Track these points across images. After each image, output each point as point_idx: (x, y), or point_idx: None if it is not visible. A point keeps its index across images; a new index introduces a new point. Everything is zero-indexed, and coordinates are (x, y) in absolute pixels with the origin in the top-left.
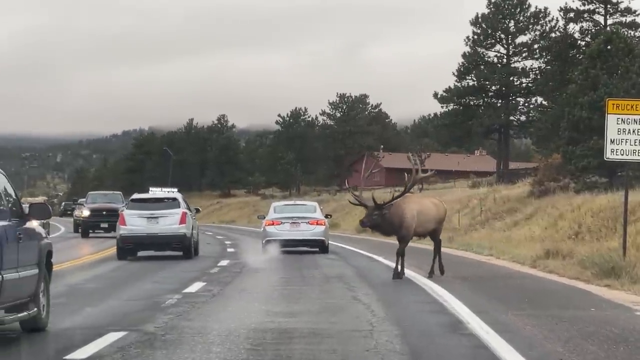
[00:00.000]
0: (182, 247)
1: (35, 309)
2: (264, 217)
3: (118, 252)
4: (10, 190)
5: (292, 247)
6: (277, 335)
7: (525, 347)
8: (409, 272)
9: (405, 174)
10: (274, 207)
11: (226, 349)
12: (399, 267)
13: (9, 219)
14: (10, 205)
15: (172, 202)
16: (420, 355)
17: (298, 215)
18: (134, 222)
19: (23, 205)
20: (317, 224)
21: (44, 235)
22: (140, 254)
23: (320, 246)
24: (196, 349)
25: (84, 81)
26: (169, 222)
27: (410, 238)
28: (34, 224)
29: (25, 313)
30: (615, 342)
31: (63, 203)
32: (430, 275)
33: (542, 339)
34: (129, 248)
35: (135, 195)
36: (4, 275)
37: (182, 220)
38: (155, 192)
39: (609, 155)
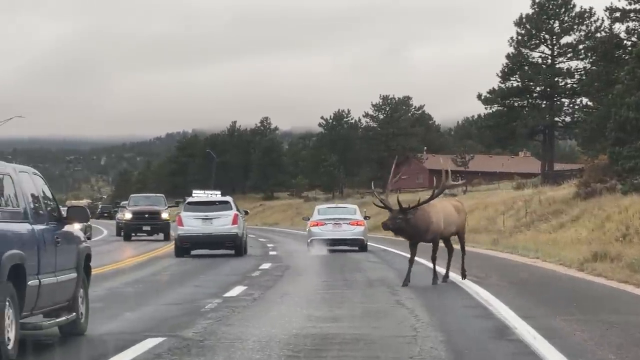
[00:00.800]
0: (234, 246)
1: (74, 313)
2: (309, 219)
3: (176, 250)
4: (48, 194)
5: (334, 246)
6: (319, 341)
7: (576, 354)
8: (453, 276)
9: (434, 179)
10: (318, 210)
11: (266, 355)
12: (436, 271)
13: (47, 223)
14: (48, 208)
15: (224, 205)
16: None
17: (340, 216)
18: (191, 223)
19: (62, 209)
20: (357, 224)
21: (82, 238)
22: (193, 252)
23: (359, 245)
24: (234, 355)
25: (128, 84)
26: (222, 223)
27: (438, 242)
28: (73, 227)
29: (63, 318)
30: None
31: (100, 205)
32: (464, 276)
33: (592, 345)
34: (186, 247)
35: (191, 199)
36: (41, 280)
37: (234, 222)
38: (199, 194)
39: None
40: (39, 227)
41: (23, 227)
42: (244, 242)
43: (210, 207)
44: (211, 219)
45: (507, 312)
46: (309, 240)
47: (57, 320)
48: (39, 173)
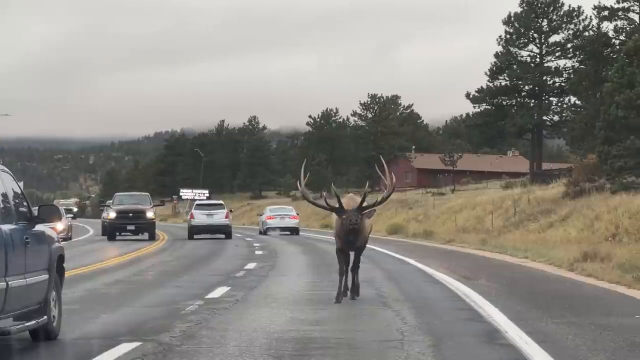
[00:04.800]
0: (226, 233)
1: (45, 317)
2: (262, 214)
3: (189, 234)
4: (18, 191)
5: (280, 231)
6: (301, 345)
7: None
8: (442, 277)
9: (389, 182)
10: (269, 209)
11: None
12: (349, 284)
13: (15, 222)
14: (17, 207)
15: (220, 205)
16: None
17: (283, 213)
18: (199, 217)
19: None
20: (294, 218)
21: (55, 238)
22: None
23: (295, 231)
24: None
25: (116, 83)
26: (219, 217)
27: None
28: (46, 226)
29: (34, 322)
30: None
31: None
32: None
33: (586, 350)
34: (195, 232)
35: (198, 202)
36: (9, 282)
37: (227, 216)
38: (187, 193)
39: None
40: (6, 226)
41: None
42: (232, 230)
43: (211, 207)
44: (212, 214)
45: (497, 315)
46: (264, 228)
47: (27, 324)
48: (8, 170)
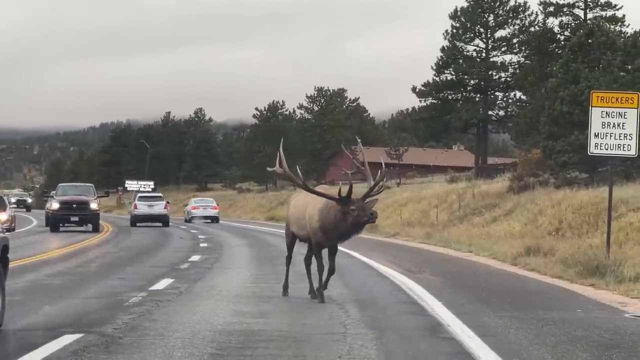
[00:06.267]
0: (164, 221)
1: None
2: (188, 205)
3: (131, 222)
4: None
5: (202, 219)
6: (244, 338)
7: (510, 354)
8: (386, 270)
9: (383, 168)
10: (194, 200)
11: (188, 353)
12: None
13: None
14: None
15: (160, 197)
16: None
17: (206, 204)
18: (141, 207)
19: None
20: (214, 208)
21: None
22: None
23: (216, 219)
24: (155, 353)
25: (62, 74)
26: (159, 208)
27: None
28: None
29: None
30: (606, 348)
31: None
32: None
33: (527, 344)
34: (138, 221)
35: (141, 194)
36: None
37: (165, 207)
38: (133, 185)
39: (592, 150)
40: None
41: None
42: (169, 219)
43: (152, 198)
44: (153, 205)
45: (440, 308)
46: (189, 217)
47: None
48: None
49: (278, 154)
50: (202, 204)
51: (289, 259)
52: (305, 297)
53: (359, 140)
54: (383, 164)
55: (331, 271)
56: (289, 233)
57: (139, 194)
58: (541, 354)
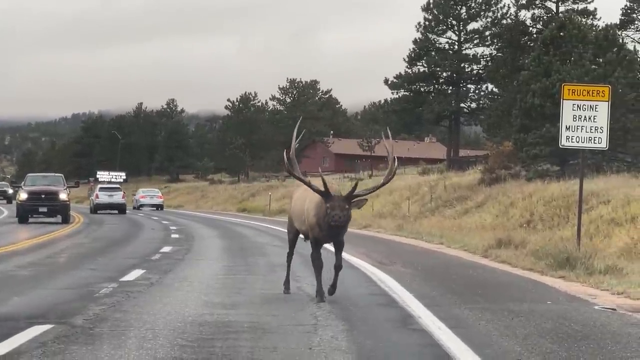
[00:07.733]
0: (121, 210)
1: None
2: (136, 194)
3: (91, 210)
4: None
5: (149, 207)
6: (215, 329)
7: (481, 345)
8: (357, 261)
9: (393, 160)
10: (142, 191)
11: (158, 344)
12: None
13: None
14: None
15: (118, 188)
16: (367, 354)
17: (152, 194)
18: (102, 197)
19: None
20: (160, 198)
21: None
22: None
23: (160, 207)
24: (124, 344)
25: (34, 64)
26: (117, 197)
27: None
28: None
29: None
30: (576, 340)
31: None
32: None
33: (498, 336)
34: (99, 209)
35: (101, 185)
36: None
37: (123, 197)
38: (103, 176)
39: (564, 142)
40: None
41: None
42: (126, 208)
43: (111, 189)
44: (112, 195)
45: (411, 300)
46: (137, 205)
47: None
48: None
49: (294, 135)
50: (149, 194)
51: (289, 255)
52: (277, 289)
53: (389, 131)
54: (395, 159)
55: (338, 267)
56: (292, 229)
57: (99, 186)
58: (511, 346)
